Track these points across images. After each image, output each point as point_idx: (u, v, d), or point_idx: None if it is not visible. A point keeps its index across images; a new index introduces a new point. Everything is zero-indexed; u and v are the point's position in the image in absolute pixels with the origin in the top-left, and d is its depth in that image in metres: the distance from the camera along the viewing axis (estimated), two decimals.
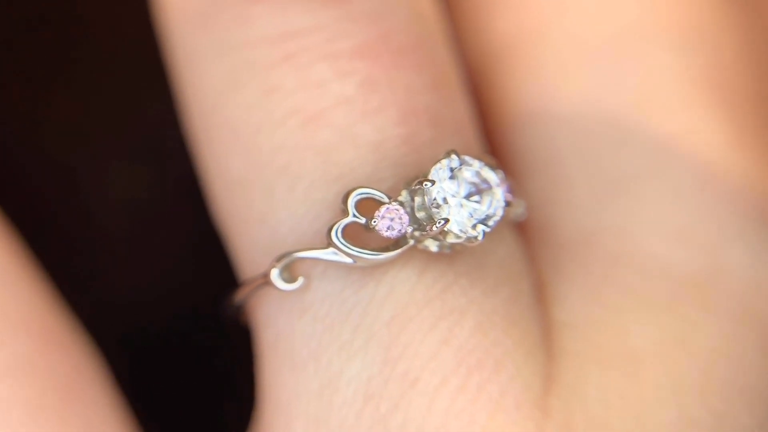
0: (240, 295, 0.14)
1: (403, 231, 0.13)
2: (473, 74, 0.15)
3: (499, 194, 0.13)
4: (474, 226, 0.13)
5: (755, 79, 0.15)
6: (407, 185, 0.13)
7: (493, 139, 0.15)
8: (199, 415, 0.18)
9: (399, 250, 0.13)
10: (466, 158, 0.13)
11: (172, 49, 0.15)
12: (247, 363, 0.16)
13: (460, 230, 0.13)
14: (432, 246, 0.13)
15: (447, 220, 0.13)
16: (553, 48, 0.15)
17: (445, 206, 0.13)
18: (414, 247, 0.13)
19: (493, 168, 0.13)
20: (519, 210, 0.14)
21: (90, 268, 0.17)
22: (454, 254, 0.13)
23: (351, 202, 0.13)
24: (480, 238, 0.13)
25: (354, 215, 0.13)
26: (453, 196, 0.13)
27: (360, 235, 0.13)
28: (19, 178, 0.17)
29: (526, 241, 0.15)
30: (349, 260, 0.13)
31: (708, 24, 0.15)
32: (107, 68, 0.18)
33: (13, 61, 0.18)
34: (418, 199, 0.13)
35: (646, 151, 0.14)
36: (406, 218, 0.13)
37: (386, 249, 0.13)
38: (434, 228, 0.13)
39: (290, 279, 0.13)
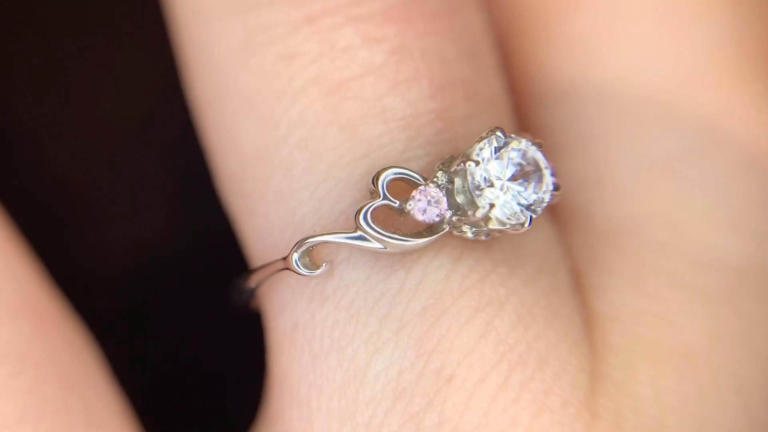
0: (255, 280, 0.13)
1: (441, 215, 0.12)
2: (503, 42, 0.14)
3: (548, 177, 0.12)
4: (522, 212, 0.11)
5: None
6: (443, 164, 0.12)
7: (522, 114, 0.14)
8: (189, 403, 0.17)
9: (434, 236, 0.12)
10: (512, 136, 0.12)
11: (177, 9, 0.13)
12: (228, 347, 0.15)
13: (506, 216, 0.12)
14: (468, 232, 0.12)
15: (492, 206, 0.11)
16: (590, 16, 0.13)
17: (488, 190, 0.11)
18: (449, 232, 0.12)
19: (539, 147, 0.12)
20: (557, 193, 0.12)
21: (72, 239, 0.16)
22: (491, 241, 0.12)
23: (382, 182, 0.12)
24: (527, 225, 0.11)
25: (386, 197, 0.12)
26: (498, 178, 0.11)
27: (389, 219, 0.12)
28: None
29: (560, 226, 0.13)
30: (378, 246, 0.12)
31: None
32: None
33: None
34: (457, 182, 0.12)
35: (691, 131, 0.13)
36: (444, 202, 0.12)
37: (418, 235, 0.12)
38: (477, 214, 0.11)
39: (310, 264, 0.12)
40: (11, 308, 0.12)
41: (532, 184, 0.12)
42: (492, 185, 0.11)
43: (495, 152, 0.12)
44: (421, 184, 0.12)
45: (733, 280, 0.13)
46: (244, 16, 0.12)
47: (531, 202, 0.12)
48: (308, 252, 0.12)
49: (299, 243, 0.12)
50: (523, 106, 0.14)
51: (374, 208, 0.12)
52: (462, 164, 0.12)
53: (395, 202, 0.12)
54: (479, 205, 0.11)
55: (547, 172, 0.12)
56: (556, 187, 0.12)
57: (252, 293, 0.13)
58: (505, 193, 0.12)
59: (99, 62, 0.17)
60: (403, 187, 0.12)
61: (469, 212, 0.12)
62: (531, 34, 0.14)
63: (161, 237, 0.17)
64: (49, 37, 0.17)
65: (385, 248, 0.12)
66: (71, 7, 0.17)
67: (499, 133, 0.12)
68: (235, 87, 0.12)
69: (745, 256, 0.13)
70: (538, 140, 0.12)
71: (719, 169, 0.13)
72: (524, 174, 0.12)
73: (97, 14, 0.17)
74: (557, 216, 0.14)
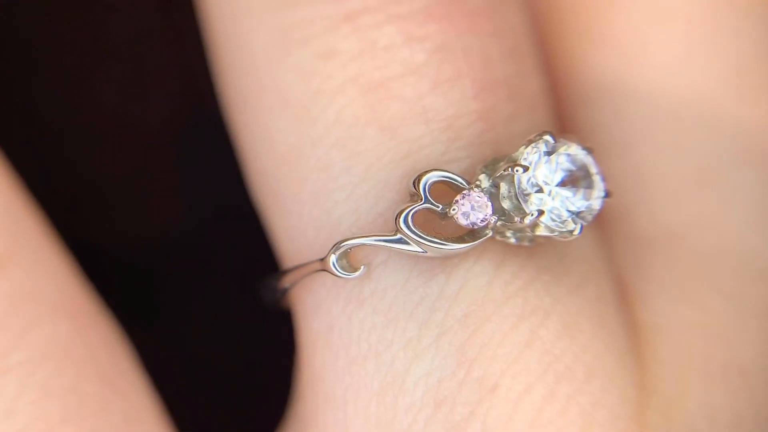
0: (288, 280, 0.13)
1: (486, 220, 0.11)
2: (544, 42, 0.14)
3: (599, 183, 0.11)
4: (573, 219, 0.11)
5: None
6: (486, 167, 0.11)
7: (563, 114, 0.14)
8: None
9: (477, 241, 0.11)
10: (562, 141, 0.11)
11: (212, 5, 0.13)
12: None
13: (555, 224, 0.11)
14: (511, 238, 0.11)
15: (541, 212, 0.11)
16: (632, 16, 0.13)
17: (536, 195, 0.11)
18: (491, 237, 0.11)
19: (590, 152, 0.11)
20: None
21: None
22: (534, 247, 0.12)
23: (424, 185, 0.11)
24: (577, 233, 0.11)
25: (428, 200, 0.11)
26: (546, 183, 0.11)
27: (427, 222, 0.12)
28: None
29: (603, 233, 0.13)
30: (418, 249, 0.11)
31: None
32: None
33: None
34: (504, 186, 0.11)
35: (736, 135, 0.12)
36: (489, 207, 0.11)
37: (460, 239, 0.11)
38: (526, 221, 0.11)
39: (347, 266, 0.12)
40: (51, 308, 0.12)
41: (582, 191, 0.11)
42: (541, 191, 0.11)
43: (543, 156, 0.11)
44: (463, 188, 0.11)
45: None
46: (282, 12, 0.12)
47: (581, 209, 0.11)
48: (345, 254, 0.12)
49: (337, 245, 0.12)
50: (563, 106, 0.13)
51: (415, 212, 0.11)
52: (509, 169, 0.11)
53: (437, 206, 0.11)
54: (527, 211, 0.11)
55: (597, 178, 0.11)
56: (608, 194, 0.11)
57: (284, 293, 0.13)
58: (553, 200, 0.11)
59: (120, 56, 0.17)
60: (443, 189, 0.12)
61: (516, 218, 0.11)
62: (572, 33, 0.13)
63: (177, 229, 0.17)
64: (73, 34, 0.16)
65: (425, 252, 0.11)
66: (97, 3, 0.17)
67: (547, 137, 0.11)
68: (270, 85, 0.12)
69: None
70: (588, 145, 0.12)
71: (764, 175, 0.12)
72: (573, 180, 0.11)
73: (124, 11, 0.16)
74: (600, 221, 0.13)
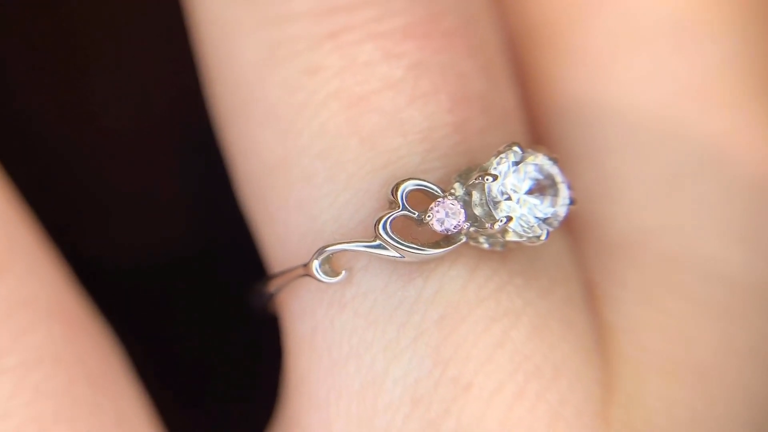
0: (274, 285, 0.13)
1: (459, 226, 0.12)
2: (517, 58, 0.14)
3: (564, 191, 0.12)
4: (539, 225, 0.12)
5: None
6: (460, 176, 0.12)
7: (537, 126, 0.14)
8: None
9: (451, 247, 0.12)
10: (529, 151, 0.12)
11: (202, 23, 0.13)
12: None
13: (523, 229, 0.12)
14: (484, 243, 0.12)
15: (510, 219, 0.11)
16: (602, 31, 0.13)
17: (505, 203, 0.12)
18: (465, 243, 0.12)
19: (555, 162, 0.12)
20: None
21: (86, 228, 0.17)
22: (506, 252, 0.12)
23: (401, 193, 0.12)
24: (543, 238, 0.12)
25: (405, 208, 0.12)
26: (514, 191, 0.12)
27: (407, 229, 0.12)
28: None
29: (573, 238, 0.13)
30: (396, 255, 0.12)
31: (760, 14, 0.14)
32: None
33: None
34: (475, 194, 0.12)
35: (700, 147, 0.13)
36: (463, 214, 0.12)
37: (436, 244, 0.12)
38: (495, 226, 0.12)
39: (330, 271, 0.12)
40: (45, 313, 0.13)
41: (549, 198, 0.12)
42: (509, 198, 0.12)
43: (512, 166, 0.12)
44: (438, 196, 0.12)
45: (742, 294, 0.13)
46: (269, 30, 0.12)
47: (547, 215, 0.12)
48: (328, 259, 0.12)
49: (319, 250, 0.12)
50: (537, 119, 0.14)
51: (393, 218, 0.12)
52: (480, 178, 0.12)
53: (414, 213, 0.12)
54: (496, 217, 0.12)
55: (563, 186, 0.12)
56: (572, 201, 0.12)
57: (271, 298, 0.14)
58: (521, 207, 0.12)
59: (116, 66, 0.17)
60: (421, 197, 0.12)
61: (487, 225, 0.12)
62: (544, 47, 0.14)
63: (175, 240, 0.17)
64: (69, 42, 0.17)
65: (403, 257, 0.12)
66: (95, 10, 0.17)
67: (516, 148, 0.12)
68: (258, 98, 0.13)
69: (754, 271, 0.13)
70: (554, 155, 0.12)
71: (726, 185, 0.13)
72: (541, 188, 0.12)
73: (121, 18, 0.17)
74: (570, 227, 0.14)
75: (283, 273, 0.13)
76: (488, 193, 0.12)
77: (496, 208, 0.12)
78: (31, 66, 0.17)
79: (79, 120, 0.17)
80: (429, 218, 0.12)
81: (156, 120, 0.17)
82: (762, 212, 0.13)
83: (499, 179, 0.12)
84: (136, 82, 0.17)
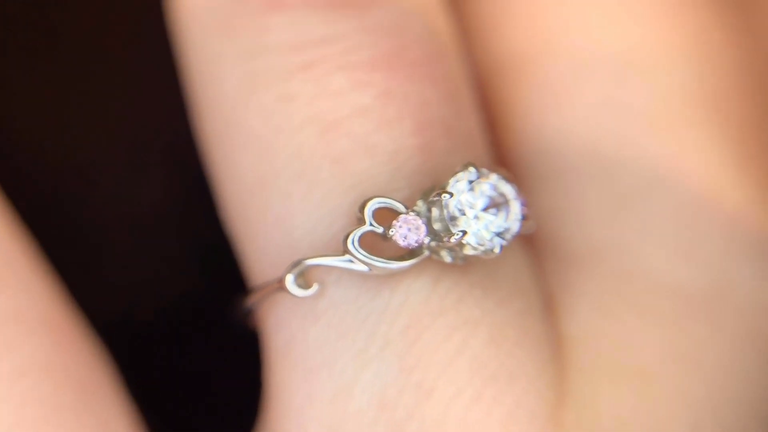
0: (252, 299, 0.14)
1: (420, 241, 0.12)
2: (483, 87, 0.15)
3: (516, 208, 0.12)
4: (491, 239, 0.12)
5: (755, 101, 0.15)
6: (423, 195, 0.13)
7: (503, 151, 0.15)
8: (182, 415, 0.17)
9: (414, 260, 0.13)
10: (484, 171, 0.13)
11: (189, 54, 0.14)
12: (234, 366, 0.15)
13: (478, 243, 0.12)
14: (446, 257, 0.13)
15: (464, 233, 0.12)
16: (559, 63, 0.14)
17: (462, 218, 0.12)
18: (429, 257, 0.13)
19: (509, 181, 0.13)
20: (530, 222, 0.14)
21: (89, 273, 0.17)
22: (467, 265, 0.13)
23: (368, 210, 0.13)
24: (497, 251, 0.12)
25: (371, 224, 0.13)
26: (470, 208, 0.12)
27: (376, 244, 0.13)
28: (21, 175, 0.17)
29: (535, 253, 0.14)
30: (364, 268, 0.13)
31: (709, 45, 0.15)
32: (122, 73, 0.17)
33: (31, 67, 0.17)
34: (435, 211, 0.13)
35: (651, 168, 0.14)
36: (423, 229, 0.12)
37: (401, 258, 0.13)
38: (452, 240, 0.12)
39: (304, 284, 0.13)
40: (33, 326, 0.13)
41: (502, 214, 0.12)
42: (465, 214, 0.12)
43: (468, 185, 0.12)
44: (403, 213, 0.13)
45: (684, 304, 0.13)
46: (248, 61, 0.13)
47: (501, 230, 0.12)
48: (302, 273, 0.13)
49: (293, 265, 0.13)
50: (502, 143, 0.15)
51: (361, 234, 0.13)
52: (438, 195, 0.12)
53: (379, 229, 0.13)
54: (453, 232, 0.12)
55: (515, 203, 0.12)
56: (525, 217, 0.13)
57: (250, 311, 0.14)
58: (477, 222, 0.12)
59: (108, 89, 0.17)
60: (388, 214, 0.13)
61: (445, 239, 0.12)
62: (508, 78, 0.15)
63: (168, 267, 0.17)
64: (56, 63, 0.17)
65: (371, 270, 0.13)
66: (93, 25, 0.17)
67: (471, 168, 0.13)
68: (238, 123, 0.13)
69: (694, 282, 0.13)
70: (508, 174, 0.13)
71: (674, 204, 0.14)
72: (495, 205, 0.13)
73: (110, 45, 0.17)
74: (533, 243, 0.14)
75: (259, 287, 0.14)
76: (446, 210, 0.12)
77: (453, 224, 0.12)
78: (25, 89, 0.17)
79: (62, 149, 0.17)
80: (392, 233, 0.13)
81: (143, 149, 0.18)
82: (703, 229, 0.14)
83: (456, 196, 0.12)
84: (125, 111, 0.18)
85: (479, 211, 0.12)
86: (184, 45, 0.14)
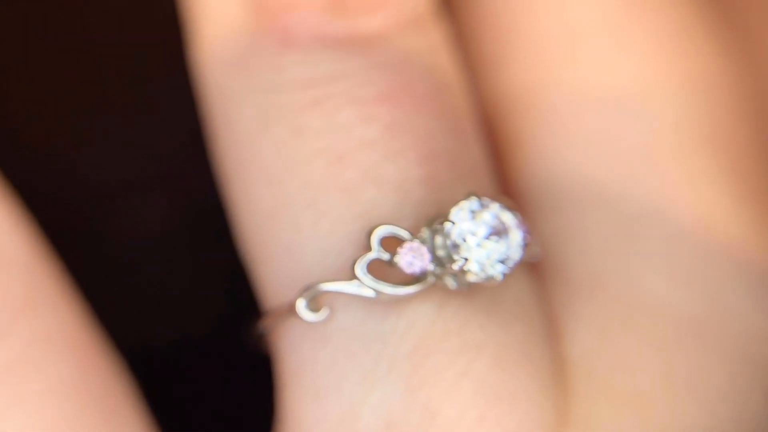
0: (265, 324, 0.14)
1: (424, 268, 0.13)
2: (488, 120, 0.16)
3: (518, 236, 0.13)
4: (493, 266, 0.13)
5: (754, 134, 0.15)
6: (428, 223, 0.13)
7: (508, 182, 0.16)
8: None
9: (420, 286, 0.13)
10: (486, 200, 0.13)
11: (207, 89, 0.15)
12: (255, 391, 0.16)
13: (480, 270, 0.13)
14: (451, 283, 0.13)
15: (466, 260, 0.13)
16: (561, 98, 0.15)
17: (464, 246, 0.13)
18: (434, 283, 0.13)
19: (511, 210, 0.13)
20: (535, 250, 0.14)
21: (101, 296, 0.17)
22: (472, 291, 0.13)
23: (375, 238, 0.13)
24: (499, 278, 0.13)
25: (378, 251, 0.13)
26: (472, 235, 0.13)
27: (383, 270, 0.13)
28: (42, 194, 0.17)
29: (539, 280, 0.15)
30: (371, 293, 0.13)
31: (706, 78, 0.15)
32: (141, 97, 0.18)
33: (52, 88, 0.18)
34: (438, 239, 0.13)
35: (651, 197, 0.14)
36: (428, 256, 0.13)
37: (408, 284, 0.13)
38: (454, 267, 0.13)
39: (315, 309, 0.13)
40: (58, 347, 0.14)
41: (505, 242, 0.13)
42: (466, 242, 0.13)
43: (470, 214, 0.13)
44: (408, 240, 0.13)
45: (684, 330, 0.14)
46: (261, 96, 0.14)
47: (503, 257, 0.13)
48: (313, 298, 0.13)
49: (303, 290, 0.13)
50: (509, 174, 0.15)
51: (369, 261, 0.13)
52: (440, 224, 0.13)
53: (386, 256, 0.13)
54: (455, 258, 0.13)
55: (516, 231, 0.13)
56: (526, 245, 0.13)
57: (263, 335, 0.15)
58: (479, 250, 0.13)
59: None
60: (395, 242, 0.13)
61: (448, 265, 0.13)
62: (515, 112, 0.15)
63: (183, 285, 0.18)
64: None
65: (377, 296, 0.13)
66: (125, 53, 0.18)
67: (473, 198, 0.13)
68: (252, 156, 0.14)
69: (694, 309, 0.14)
70: (511, 203, 0.13)
71: (673, 232, 0.14)
72: (497, 233, 0.13)
73: (128, 74, 0.18)
74: (538, 269, 0.15)
75: (271, 312, 0.14)
76: (448, 237, 0.13)
77: (455, 251, 0.13)
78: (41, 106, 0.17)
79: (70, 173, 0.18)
80: (398, 260, 0.13)
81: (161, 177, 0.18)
82: (700, 258, 0.14)
83: (458, 225, 0.13)
84: (141, 134, 0.18)
85: (481, 239, 0.13)
86: (202, 80, 0.15)
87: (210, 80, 0.15)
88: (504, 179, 0.15)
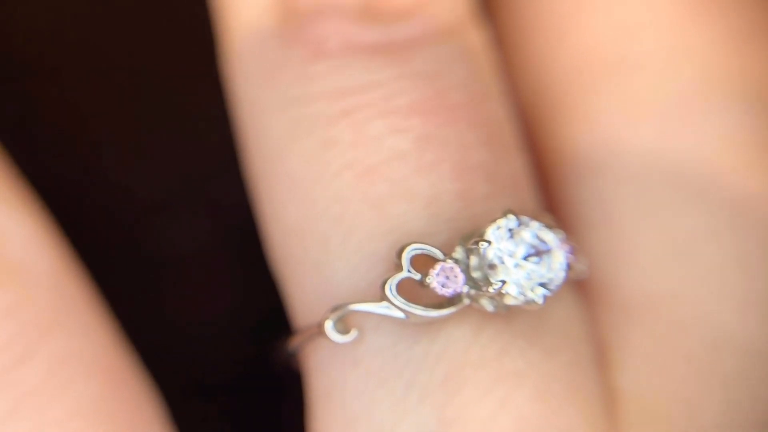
0: (293, 343, 0.13)
1: (458, 290, 0.12)
2: (528, 120, 0.14)
3: (560, 256, 0.12)
4: (533, 289, 0.11)
5: None
6: (463, 241, 0.12)
7: (549, 189, 0.14)
8: None
9: (453, 309, 0.12)
10: (525, 219, 0.12)
11: (237, 101, 0.14)
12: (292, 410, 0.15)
13: (519, 293, 0.12)
14: (488, 305, 0.12)
15: (504, 282, 0.11)
16: (615, 96, 0.13)
17: (501, 267, 0.12)
18: (470, 305, 0.12)
19: (552, 228, 0.12)
20: (581, 268, 0.13)
21: (131, 314, 0.17)
22: (511, 314, 0.12)
23: (406, 257, 0.12)
24: (540, 302, 0.11)
25: (408, 271, 0.12)
26: (510, 256, 0.12)
27: (414, 290, 0.12)
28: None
29: (585, 299, 0.13)
30: (401, 315, 0.12)
31: (760, 90, 0.13)
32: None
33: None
34: (474, 259, 0.12)
35: (711, 212, 0.13)
36: (462, 277, 0.12)
37: (440, 306, 0.12)
38: (491, 290, 0.12)
39: (344, 329, 0.12)
40: (87, 366, 0.13)
41: (546, 263, 0.12)
42: (504, 263, 0.12)
43: (508, 233, 0.12)
44: (441, 260, 0.12)
45: (751, 363, 0.12)
46: (291, 109, 0.13)
47: (545, 280, 0.12)
48: (342, 318, 0.13)
49: (331, 310, 0.12)
50: (551, 183, 0.14)
51: (398, 281, 0.12)
52: (475, 243, 0.12)
53: (417, 276, 0.12)
54: (491, 281, 0.12)
55: (558, 252, 0.12)
56: (569, 266, 0.12)
57: (291, 355, 0.14)
58: (518, 271, 0.12)
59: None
60: (427, 260, 0.12)
61: (484, 288, 0.12)
62: (557, 112, 0.14)
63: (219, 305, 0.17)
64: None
65: (408, 318, 0.12)
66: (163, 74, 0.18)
67: (510, 216, 0.12)
68: (282, 167, 0.13)
69: (758, 339, 0.12)
70: (553, 221, 0.12)
71: (736, 252, 0.12)
72: (538, 253, 0.12)
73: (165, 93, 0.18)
74: (584, 286, 0.13)
75: (300, 332, 0.13)
76: (484, 258, 0.12)
77: (492, 273, 0.12)
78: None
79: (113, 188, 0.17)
80: (430, 281, 0.12)
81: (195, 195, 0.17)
82: (767, 280, 0.12)
83: (494, 244, 0.12)
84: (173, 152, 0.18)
85: (520, 260, 0.12)
86: (233, 91, 0.14)
87: (241, 91, 0.14)
88: (546, 190, 0.14)
